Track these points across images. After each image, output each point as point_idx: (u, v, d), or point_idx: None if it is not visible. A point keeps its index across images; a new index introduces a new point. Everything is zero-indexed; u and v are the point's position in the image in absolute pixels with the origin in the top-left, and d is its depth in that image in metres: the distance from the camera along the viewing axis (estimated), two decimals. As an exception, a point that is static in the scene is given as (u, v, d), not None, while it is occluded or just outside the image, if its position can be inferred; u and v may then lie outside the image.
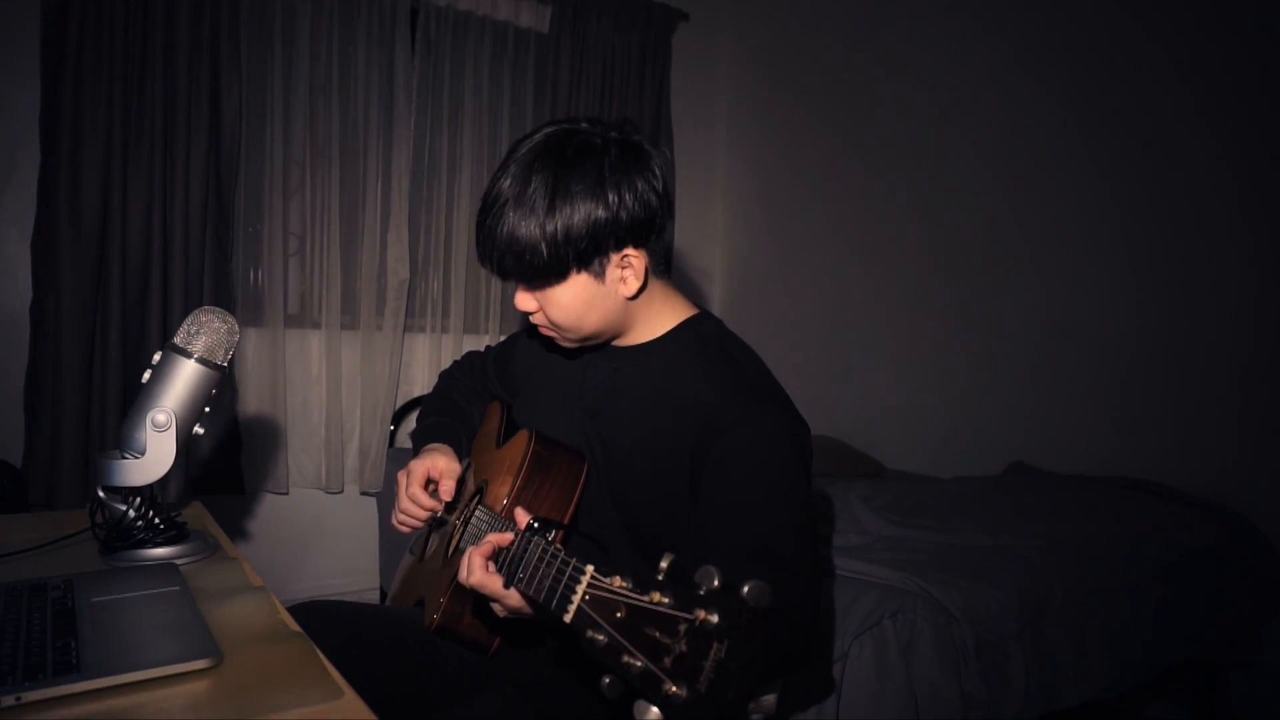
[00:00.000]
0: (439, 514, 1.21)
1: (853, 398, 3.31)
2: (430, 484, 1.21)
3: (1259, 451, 2.28)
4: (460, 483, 1.22)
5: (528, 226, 0.98)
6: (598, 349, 1.18)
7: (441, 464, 1.20)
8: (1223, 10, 2.35)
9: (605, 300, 1.05)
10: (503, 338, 3.03)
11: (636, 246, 1.03)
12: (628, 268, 1.04)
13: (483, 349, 1.50)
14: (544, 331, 1.12)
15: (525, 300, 1.06)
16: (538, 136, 1.03)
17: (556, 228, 0.98)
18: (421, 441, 1.31)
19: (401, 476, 1.20)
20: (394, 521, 1.23)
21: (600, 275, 1.03)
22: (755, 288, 3.76)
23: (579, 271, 1.02)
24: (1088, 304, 2.64)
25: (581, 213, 0.98)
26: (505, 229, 1.00)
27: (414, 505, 1.18)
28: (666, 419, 1.06)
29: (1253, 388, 2.29)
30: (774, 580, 0.90)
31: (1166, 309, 2.47)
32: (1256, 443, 2.29)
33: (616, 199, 0.99)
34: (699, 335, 1.13)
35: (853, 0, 3.34)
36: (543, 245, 0.98)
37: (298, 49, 2.78)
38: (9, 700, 0.71)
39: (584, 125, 1.04)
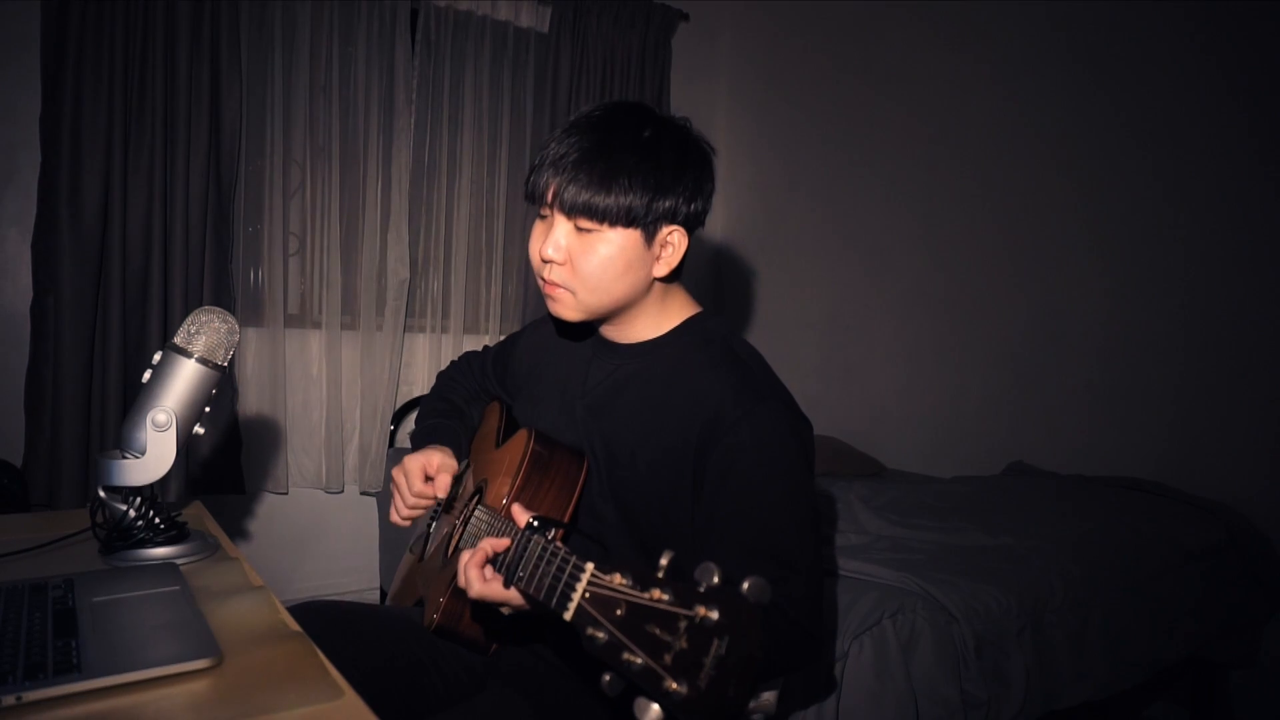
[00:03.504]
0: (439, 500, 1.19)
1: (853, 398, 3.31)
2: (428, 480, 1.20)
3: (1259, 451, 2.28)
4: (458, 481, 1.22)
5: (631, 161, 1.01)
6: (598, 342, 1.18)
7: (437, 459, 1.19)
8: (1218, 12, 2.35)
9: (640, 269, 1.06)
10: (502, 338, 3.06)
11: (684, 229, 1.07)
12: (669, 245, 1.06)
13: (480, 349, 1.49)
14: (551, 290, 1.08)
15: (555, 247, 1.04)
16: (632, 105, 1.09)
17: (652, 176, 1.01)
18: (421, 444, 1.30)
19: (398, 474, 1.19)
20: (393, 517, 1.22)
21: (649, 242, 1.05)
22: (755, 288, 3.76)
23: (636, 227, 1.03)
24: (1088, 304, 2.64)
25: (669, 175, 1.03)
26: (607, 150, 1.01)
27: (415, 498, 1.18)
28: (669, 416, 1.06)
29: (1253, 387, 2.29)
30: (776, 578, 0.90)
31: (1166, 309, 2.47)
32: (1256, 442, 2.28)
33: (693, 180, 1.05)
34: (703, 333, 1.13)
35: (852, 1, 3.34)
36: (633, 183, 1.00)
37: (298, 49, 2.78)
38: (9, 700, 0.71)
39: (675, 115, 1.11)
